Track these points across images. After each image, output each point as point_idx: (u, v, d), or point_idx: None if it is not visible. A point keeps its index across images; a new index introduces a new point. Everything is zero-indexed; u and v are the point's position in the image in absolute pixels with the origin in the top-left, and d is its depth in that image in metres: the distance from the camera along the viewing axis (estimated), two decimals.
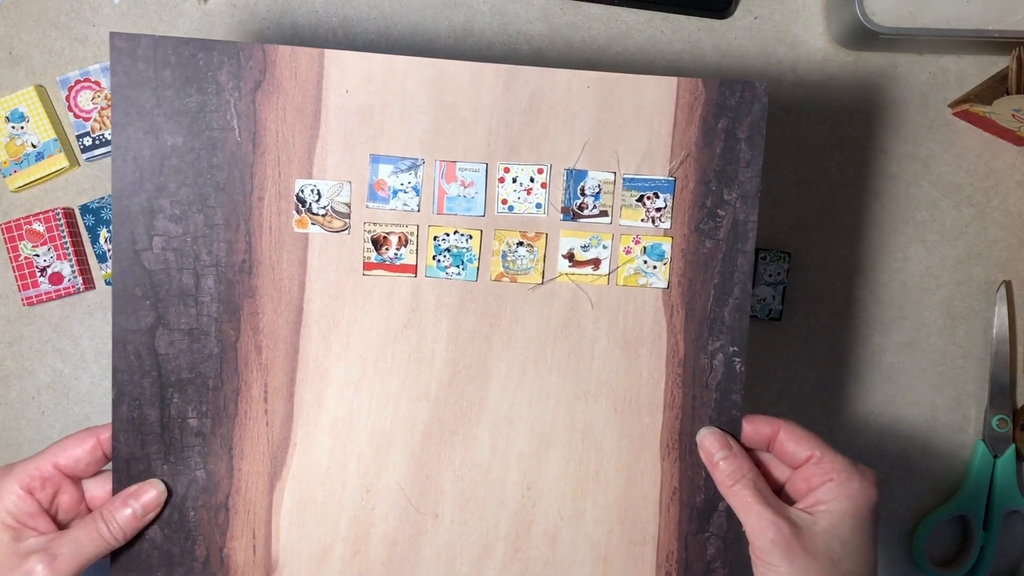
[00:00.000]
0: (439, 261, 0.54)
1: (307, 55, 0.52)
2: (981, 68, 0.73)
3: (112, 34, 0.50)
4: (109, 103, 0.71)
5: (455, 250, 0.54)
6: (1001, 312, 0.73)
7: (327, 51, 0.52)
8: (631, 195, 0.54)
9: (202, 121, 0.51)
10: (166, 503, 0.53)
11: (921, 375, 0.74)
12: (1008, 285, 0.74)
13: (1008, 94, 0.67)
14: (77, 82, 0.71)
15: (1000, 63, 0.72)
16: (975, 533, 0.73)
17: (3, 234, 0.72)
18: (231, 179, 0.52)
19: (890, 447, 0.74)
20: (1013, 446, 0.72)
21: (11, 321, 0.73)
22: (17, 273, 0.71)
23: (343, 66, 0.52)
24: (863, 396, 0.74)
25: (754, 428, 0.54)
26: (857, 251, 0.74)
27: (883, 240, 0.74)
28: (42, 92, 0.72)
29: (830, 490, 0.51)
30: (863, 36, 0.70)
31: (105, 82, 0.71)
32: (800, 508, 0.52)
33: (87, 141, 0.72)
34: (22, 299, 0.72)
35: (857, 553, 0.50)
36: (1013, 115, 0.68)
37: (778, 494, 0.54)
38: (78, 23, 0.72)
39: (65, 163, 0.72)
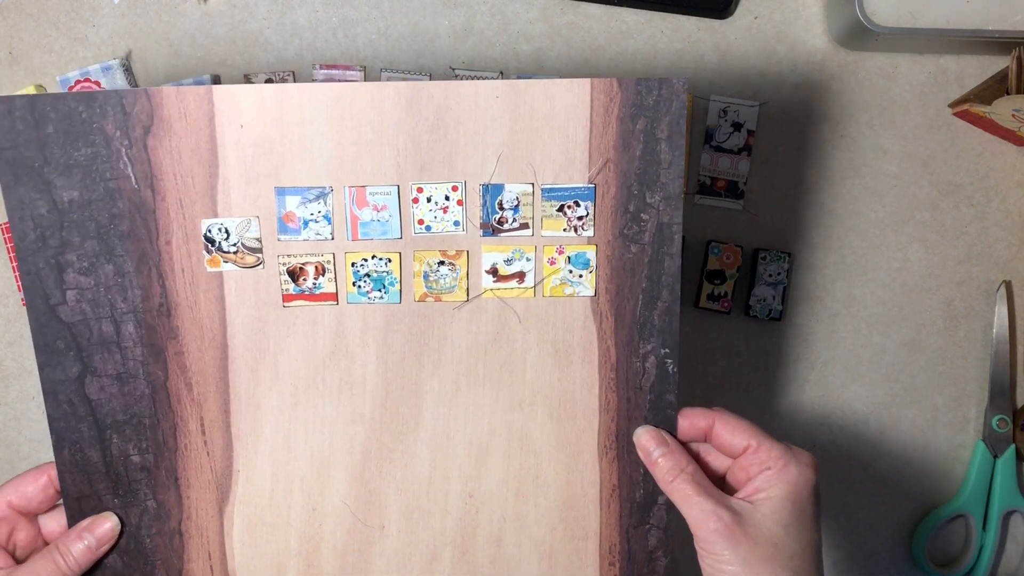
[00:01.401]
0: (360, 287, 0.53)
1: (194, 94, 0.49)
2: (981, 68, 0.73)
3: None
4: None
5: (375, 274, 0.53)
6: (1001, 312, 0.73)
7: (215, 87, 0.49)
8: (551, 205, 0.52)
9: (95, 173, 0.50)
10: (121, 534, 0.55)
11: (921, 375, 0.74)
12: (1008, 285, 0.73)
13: (1008, 94, 0.67)
14: (77, 82, 0.71)
15: (1000, 63, 0.72)
16: (975, 533, 0.74)
17: (3, 234, 0.72)
18: (135, 226, 0.51)
19: (890, 447, 0.75)
20: (1013, 446, 0.73)
21: (11, 321, 0.74)
22: (17, 273, 0.71)
23: (234, 100, 0.49)
24: (863, 396, 0.74)
25: (690, 423, 0.55)
26: (857, 251, 0.73)
27: (883, 240, 0.73)
28: (42, 92, 0.69)
29: (768, 478, 0.52)
30: (863, 36, 0.69)
31: (106, 82, 0.71)
32: (740, 498, 0.52)
33: None
34: (22, 299, 0.71)
35: (800, 536, 0.52)
36: (1013, 115, 0.67)
37: (719, 484, 0.54)
38: (78, 23, 0.72)
39: None
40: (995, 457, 0.73)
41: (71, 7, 0.72)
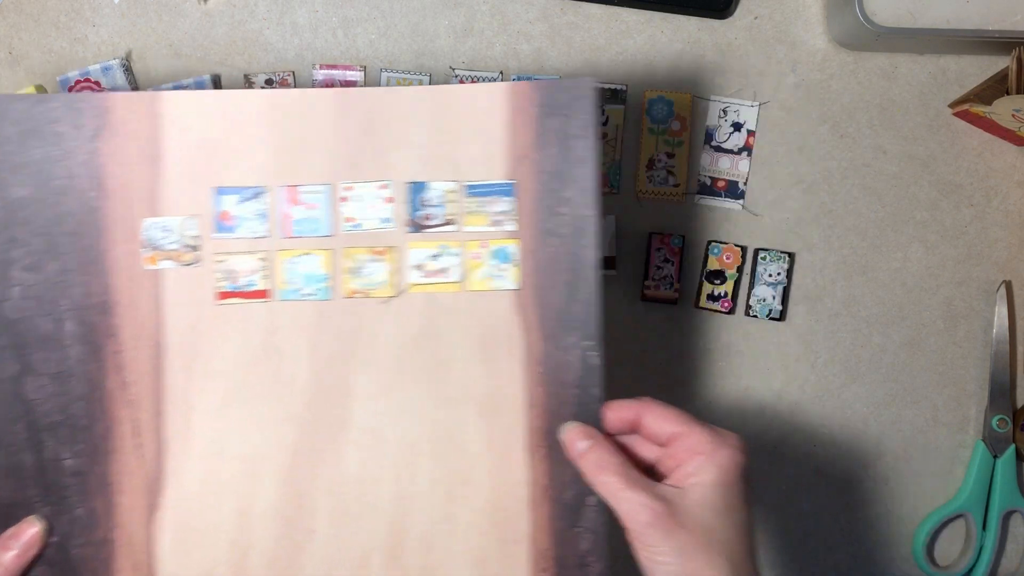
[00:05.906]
0: (292, 283, 0.55)
1: (140, 99, 0.54)
2: (981, 68, 0.74)
3: None
4: None
5: (306, 271, 0.55)
6: (1001, 312, 0.74)
7: (160, 93, 0.54)
8: (474, 202, 0.55)
9: (46, 172, 0.53)
10: (48, 542, 0.55)
11: (921, 375, 0.75)
12: (1008, 285, 0.74)
13: (1008, 94, 0.67)
14: (77, 82, 0.72)
15: (1000, 63, 0.72)
16: (975, 533, 0.73)
17: None
18: (81, 225, 0.54)
19: (890, 447, 0.75)
20: (1013, 446, 0.73)
21: None
22: None
23: (177, 105, 0.54)
24: (863, 396, 0.75)
25: (616, 415, 0.55)
26: (857, 251, 0.74)
27: (883, 240, 0.74)
28: (42, 92, 0.72)
29: (699, 463, 0.52)
30: (863, 36, 0.70)
31: (106, 82, 0.72)
32: (669, 484, 0.52)
33: None
34: None
35: (732, 520, 0.51)
36: (1013, 115, 0.68)
37: (650, 473, 0.54)
38: (78, 23, 0.73)
39: None
40: (995, 457, 0.73)
41: (71, 7, 0.73)
